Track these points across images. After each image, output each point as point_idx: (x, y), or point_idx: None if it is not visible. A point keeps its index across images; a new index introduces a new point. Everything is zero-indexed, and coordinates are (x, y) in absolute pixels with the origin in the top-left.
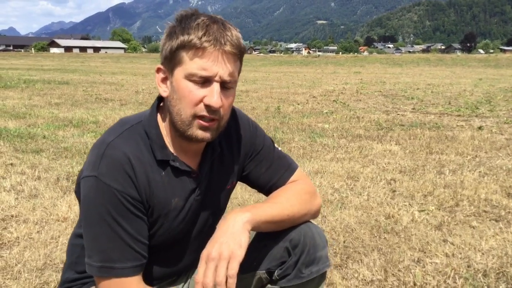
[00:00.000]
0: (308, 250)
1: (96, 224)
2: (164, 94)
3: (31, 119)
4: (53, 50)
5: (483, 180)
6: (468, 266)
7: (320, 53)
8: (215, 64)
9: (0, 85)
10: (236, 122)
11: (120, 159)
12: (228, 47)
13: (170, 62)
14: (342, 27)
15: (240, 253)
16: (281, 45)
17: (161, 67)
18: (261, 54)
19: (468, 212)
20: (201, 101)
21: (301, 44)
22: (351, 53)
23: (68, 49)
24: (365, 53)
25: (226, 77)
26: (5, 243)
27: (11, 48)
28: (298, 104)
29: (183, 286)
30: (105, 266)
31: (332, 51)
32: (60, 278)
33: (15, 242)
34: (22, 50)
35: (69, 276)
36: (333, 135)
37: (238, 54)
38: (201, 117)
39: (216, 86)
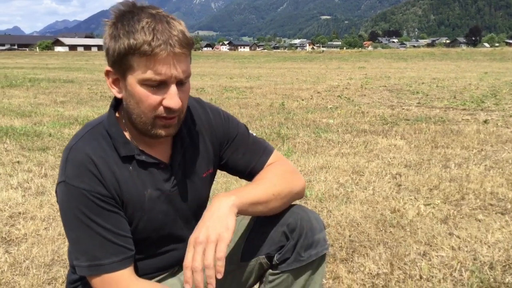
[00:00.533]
0: (306, 233)
1: (74, 227)
2: (119, 96)
3: (37, 118)
4: (58, 48)
5: (489, 174)
6: (474, 259)
7: (324, 49)
8: (168, 68)
9: (6, 84)
10: (206, 114)
11: (83, 160)
12: (178, 48)
13: (120, 67)
14: (346, 22)
15: (227, 236)
16: (285, 41)
17: (110, 70)
18: (265, 50)
19: (474, 205)
20: (160, 103)
21: (305, 39)
22: (356, 48)
23: (72, 47)
24: (370, 48)
25: (181, 76)
26: (13, 239)
27: (16, 47)
28: (303, 99)
29: None
30: (92, 264)
31: (336, 46)
32: (66, 278)
33: (23, 239)
34: (27, 49)
35: (73, 277)
36: (338, 130)
37: (189, 50)
38: (162, 117)
39: (173, 88)
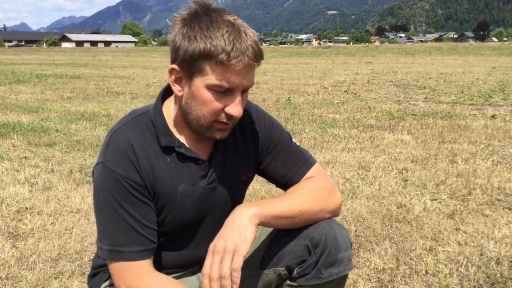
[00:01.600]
0: (329, 250)
1: (103, 209)
2: (179, 94)
3: (44, 113)
4: (65, 44)
5: (496, 169)
6: (481, 254)
7: (330, 44)
8: (240, 77)
9: (13, 80)
10: (251, 116)
11: (123, 146)
12: (253, 60)
13: (189, 68)
14: (353, 17)
15: (244, 247)
16: (291, 36)
17: (177, 68)
18: (271, 45)
19: (481, 200)
20: (222, 110)
21: (312, 35)
22: (362, 43)
23: (79, 43)
24: (377, 43)
25: (248, 86)
26: (20, 234)
27: (23, 43)
28: (309, 95)
29: None
30: (114, 249)
31: (343, 41)
32: (92, 263)
33: (29, 234)
34: (34, 45)
35: (98, 262)
36: (344, 126)
37: (260, 62)
38: (221, 122)
39: (239, 97)
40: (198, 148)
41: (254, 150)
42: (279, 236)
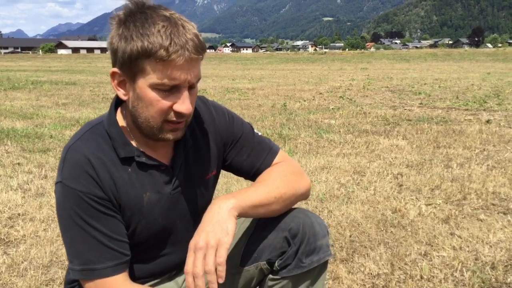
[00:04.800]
0: (308, 239)
1: (69, 229)
2: (124, 98)
3: (39, 119)
4: (61, 51)
5: (491, 173)
6: (476, 259)
7: (326, 50)
8: (183, 73)
9: (8, 86)
10: (210, 113)
11: (80, 161)
12: (194, 54)
13: (130, 69)
14: (348, 23)
15: (227, 240)
16: (287, 43)
17: (118, 71)
18: (267, 52)
19: (476, 205)
20: (170, 108)
21: (308, 41)
22: (358, 49)
23: (75, 50)
24: (372, 49)
25: (194, 81)
26: (12, 241)
27: (19, 50)
28: (305, 100)
29: (184, 279)
30: (86, 268)
31: (338, 47)
32: (64, 278)
33: (21, 240)
34: (30, 52)
35: (70, 277)
36: (340, 131)
37: (202, 55)
38: (171, 121)
39: (185, 93)
40: (158, 154)
41: (216, 147)
42: (258, 231)
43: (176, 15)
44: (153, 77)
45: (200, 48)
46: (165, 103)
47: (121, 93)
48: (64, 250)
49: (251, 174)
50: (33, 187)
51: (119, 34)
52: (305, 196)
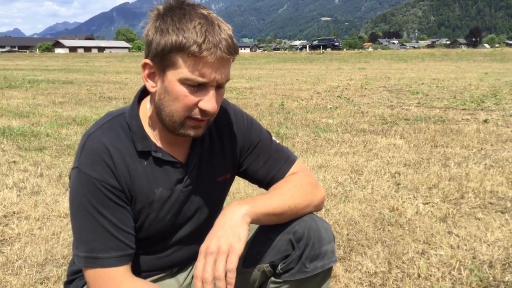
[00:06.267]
0: (313, 244)
1: (79, 215)
2: (152, 90)
3: (35, 118)
4: (58, 50)
5: (489, 172)
6: (474, 258)
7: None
8: (213, 71)
9: (5, 85)
10: (229, 117)
11: (98, 149)
12: (226, 54)
13: (162, 61)
14: (346, 23)
15: (239, 247)
16: (285, 43)
17: (149, 63)
18: (265, 51)
19: (473, 204)
20: (196, 105)
21: (306, 41)
22: (356, 49)
23: (72, 49)
24: (370, 49)
25: (223, 81)
26: (6, 239)
27: (16, 49)
28: (302, 100)
29: (185, 278)
30: (90, 256)
31: None
32: (67, 269)
33: (16, 238)
34: (27, 51)
35: (74, 268)
36: (337, 130)
37: (234, 57)
38: (194, 118)
39: (212, 92)
40: (175, 151)
41: (232, 152)
42: (262, 233)
43: (213, 15)
44: (183, 71)
45: (232, 49)
46: (192, 99)
47: (149, 84)
48: (59, 249)
49: (265, 182)
50: (28, 185)
51: (156, 26)
52: (319, 208)
